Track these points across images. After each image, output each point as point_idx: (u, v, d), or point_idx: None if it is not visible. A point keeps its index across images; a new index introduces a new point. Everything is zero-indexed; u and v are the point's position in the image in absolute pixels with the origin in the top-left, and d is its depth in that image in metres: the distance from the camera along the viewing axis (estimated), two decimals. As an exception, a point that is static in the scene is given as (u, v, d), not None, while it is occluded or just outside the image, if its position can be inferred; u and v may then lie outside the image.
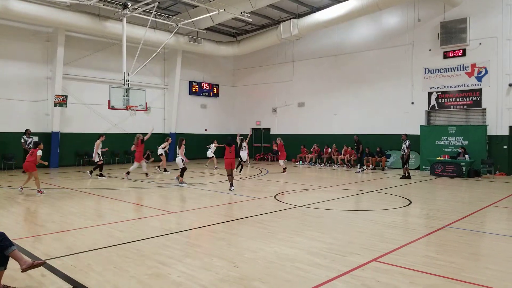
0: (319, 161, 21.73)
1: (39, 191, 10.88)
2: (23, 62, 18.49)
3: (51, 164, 19.06)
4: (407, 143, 15.38)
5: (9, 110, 18.03)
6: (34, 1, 16.66)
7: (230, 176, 11.90)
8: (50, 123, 19.19)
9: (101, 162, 15.10)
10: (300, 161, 22.42)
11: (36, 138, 18.21)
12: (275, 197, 10.63)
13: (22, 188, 11.18)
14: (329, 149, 21.46)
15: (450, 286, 4.41)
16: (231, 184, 11.86)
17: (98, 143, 14.97)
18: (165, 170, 16.87)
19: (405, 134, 15.83)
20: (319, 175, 17.13)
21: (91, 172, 15.29)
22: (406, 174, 15.30)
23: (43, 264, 4.47)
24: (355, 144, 18.62)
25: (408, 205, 9.63)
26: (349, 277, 4.64)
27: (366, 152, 19.19)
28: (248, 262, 5.20)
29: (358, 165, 18.37)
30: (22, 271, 4.26)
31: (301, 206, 9.30)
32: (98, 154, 14.94)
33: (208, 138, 23.11)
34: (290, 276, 4.69)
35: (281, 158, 17.98)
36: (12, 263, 4.36)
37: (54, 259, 5.27)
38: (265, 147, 25.87)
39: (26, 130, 17.31)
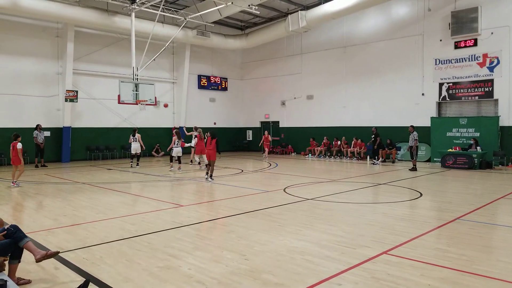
0: (329, 154, 21.64)
1: (13, 182, 11.33)
2: (34, 58, 18.66)
3: (63, 159, 19.29)
4: (414, 135, 15.24)
5: (21, 106, 18.25)
6: (43, -3, 16.77)
7: (208, 165, 12.62)
8: (61, 118, 19.39)
9: (139, 153, 16.91)
10: (310, 154, 22.35)
11: (47, 133, 18.48)
12: (284, 190, 10.64)
13: (14, 182, 11.43)
14: (339, 142, 21.35)
15: (461, 278, 4.38)
16: (207, 173, 12.48)
17: (139, 136, 16.73)
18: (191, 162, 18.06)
19: (412, 126, 15.69)
20: (329, 168, 17.07)
21: (137, 164, 16.77)
22: (413, 166, 15.22)
23: (57, 254, 4.53)
24: (373, 136, 18.53)
25: (419, 197, 9.55)
26: (359, 270, 4.64)
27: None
28: (258, 255, 5.22)
29: (376, 157, 18.41)
30: (36, 261, 4.32)
31: (311, 199, 9.29)
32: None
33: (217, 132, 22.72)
34: (299, 269, 4.70)
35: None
36: (25, 257, 4.44)
37: (67, 252, 5.36)
38: (275, 140, 25.83)
39: (38, 125, 17.50)
